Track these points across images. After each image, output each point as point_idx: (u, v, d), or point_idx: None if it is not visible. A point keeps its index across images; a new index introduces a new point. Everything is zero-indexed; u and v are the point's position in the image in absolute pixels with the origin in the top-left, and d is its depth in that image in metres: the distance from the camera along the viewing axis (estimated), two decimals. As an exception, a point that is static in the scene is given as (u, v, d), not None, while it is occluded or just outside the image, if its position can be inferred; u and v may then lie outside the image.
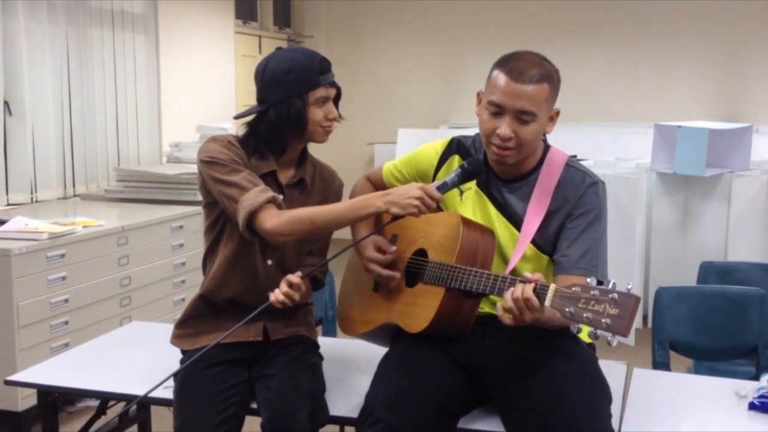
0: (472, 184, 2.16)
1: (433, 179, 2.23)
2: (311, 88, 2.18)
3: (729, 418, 2.07)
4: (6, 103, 4.42)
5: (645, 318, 5.16)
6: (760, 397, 2.10)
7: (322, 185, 2.37)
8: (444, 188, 2.05)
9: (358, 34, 8.12)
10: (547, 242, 2.09)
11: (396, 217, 2.02)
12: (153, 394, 2.06)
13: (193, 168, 4.55)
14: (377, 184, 2.39)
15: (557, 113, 2.11)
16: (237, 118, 2.36)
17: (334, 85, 2.25)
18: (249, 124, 2.28)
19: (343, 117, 2.28)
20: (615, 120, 7.15)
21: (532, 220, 2.08)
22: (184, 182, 4.70)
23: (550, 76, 2.03)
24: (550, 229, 2.09)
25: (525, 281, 1.84)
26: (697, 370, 2.96)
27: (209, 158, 2.19)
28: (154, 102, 5.64)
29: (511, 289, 1.85)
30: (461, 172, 2.07)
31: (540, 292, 1.80)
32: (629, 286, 1.70)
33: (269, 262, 2.27)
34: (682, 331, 2.83)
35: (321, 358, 2.35)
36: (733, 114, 6.91)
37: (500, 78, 2.02)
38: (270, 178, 2.24)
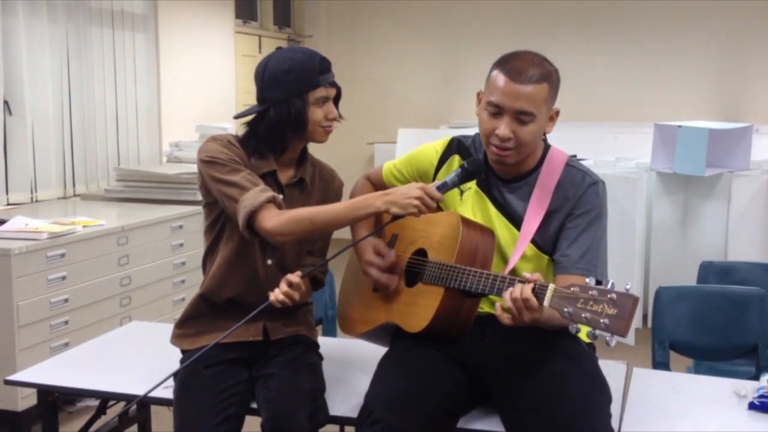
0: (472, 184, 2.16)
1: (434, 179, 2.23)
2: (311, 88, 2.18)
3: (729, 418, 2.07)
4: (6, 102, 4.42)
5: (645, 317, 5.16)
6: (760, 396, 2.10)
7: (321, 185, 2.37)
8: (444, 188, 2.05)
9: (358, 33, 8.12)
10: (547, 242, 2.09)
11: (396, 217, 2.02)
12: (153, 394, 2.06)
13: (193, 168, 4.55)
14: (377, 183, 2.39)
15: (557, 113, 2.11)
16: (237, 117, 2.36)
17: (334, 85, 2.25)
18: (249, 124, 2.28)
19: (343, 117, 2.28)
20: (615, 120, 7.14)
21: (532, 219, 2.08)
22: (184, 182, 4.70)
23: (549, 76, 2.03)
24: (550, 228, 2.09)
25: (524, 281, 1.84)
26: (697, 370, 2.96)
27: (209, 158, 2.19)
28: (154, 101, 5.65)
29: (510, 289, 1.85)
30: (461, 172, 2.06)
31: (539, 292, 1.80)
32: (628, 287, 1.70)
33: (269, 261, 2.27)
34: (682, 331, 2.83)
35: (321, 357, 2.35)
36: (733, 114, 6.91)
37: (499, 78, 2.02)
38: (270, 178, 2.24)
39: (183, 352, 2.33)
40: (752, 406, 2.09)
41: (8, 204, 4.43)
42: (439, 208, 2.18)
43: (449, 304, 2.03)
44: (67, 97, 4.87)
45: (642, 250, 5.14)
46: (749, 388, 2.17)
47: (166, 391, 2.16)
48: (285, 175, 2.29)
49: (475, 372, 2.08)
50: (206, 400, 2.08)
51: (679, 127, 5.09)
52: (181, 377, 2.17)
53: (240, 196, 2.11)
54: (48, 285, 3.51)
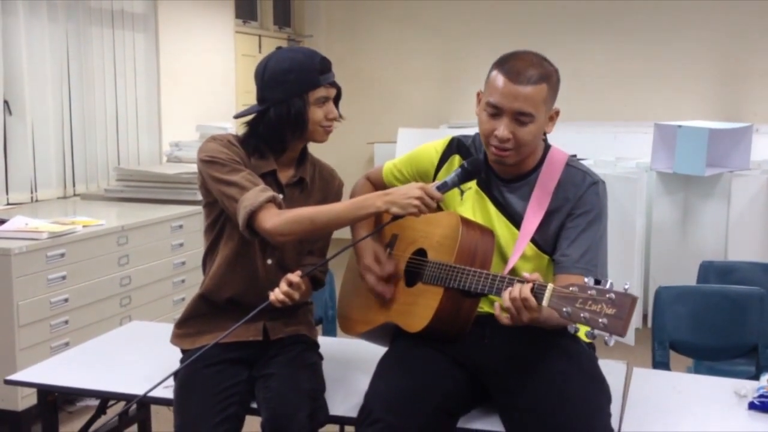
0: (472, 184, 2.16)
1: (434, 179, 2.23)
2: (311, 87, 2.18)
3: (729, 418, 2.07)
4: (6, 102, 4.42)
5: (645, 317, 5.16)
6: (760, 396, 2.10)
7: (322, 185, 2.37)
8: (444, 188, 2.05)
9: (358, 33, 8.12)
10: (547, 242, 2.09)
11: (396, 217, 2.02)
12: (153, 394, 2.06)
13: (193, 167, 4.55)
14: (377, 183, 2.39)
15: (557, 113, 2.11)
16: (237, 117, 2.36)
17: (334, 84, 2.25)
18: (249, 124, 2.28)
19: (344, 117, 2.29)
20: (615, 119, 7.15)
21: (532, 219, 2.08)
22: (183, 182, 4.70)
23: (548, 77, 2.03)
24: (550, 228, 2.09)
25: (523, 281, 1.84)
26: (697, 370, 2.96)
27: (209, 158, 2.19)
28: (154, 101, 5.64)
29: (509, 288, 1.85)
30: (461, 172, 2.06)
31: (538, 291, 1.80)
32: (626, 286, 1.70)
33: (269, 261, 2.27)
34: (682, 331, 2.83)
35: (321, 357, 2.35)
36: (733, 113, 6.91)
37: (498, 79, 2.02)
38: (270, 178, 2.24)
39: (183, 351, 2.33)
40: (752, 406, 2.09)
41: (8, 204, 4.43)
42: (439, 208, 2.18)
43: (449, 303, 2.03)
44: (67, 97, 4.87)
45: (642, 250, 5.15)
46: (749, 387, 2.17)
47: (166, 391, 2.16)
48: (285, 175, 2.29)
49: (474, 372, 2.08)
50: (206, 400, 2.08)
51: (679, 126, 5.09)
52: (181, 377, 2.17)
53: (240, 195, 2.11)
54: (48, 285, 3.51)
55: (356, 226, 2.28)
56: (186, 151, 5.17)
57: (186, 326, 2.34)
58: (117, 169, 4.97)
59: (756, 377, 2.48)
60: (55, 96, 4.75)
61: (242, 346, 2.24)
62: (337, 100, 2.27)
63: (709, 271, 3.27)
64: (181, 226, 4.42)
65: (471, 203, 2.16)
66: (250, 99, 2.60)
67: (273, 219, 2.07)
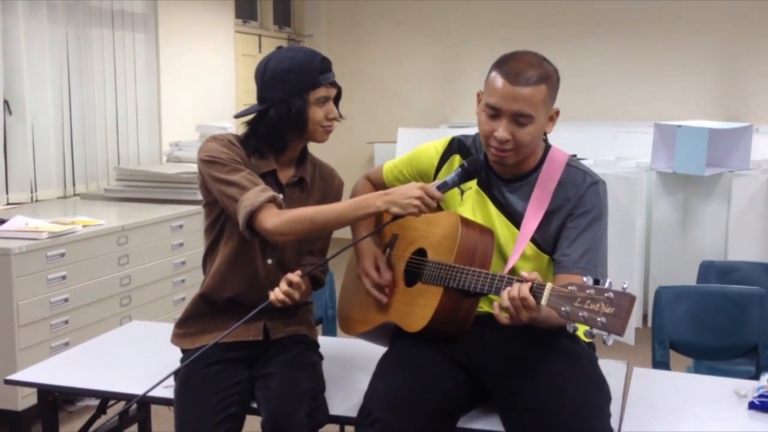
0: (472, 184, 2.16)
1: (434, 179, 2.23)
2: (312, 87, 2.18)
3: (729, 418, 2.07)
4: (6, 102, 4.42)
5: (645, 317, 5.16)
6: (760, 396, 2.10)
7: (322, 184, 2.37)
8: (444, 188, 2.05)
9: (358, 33, 8.12)
10: (547, 241, 2.09)
11: (396, 217, 2.02)
12: (153, 393, 2.06)
13: (193, 167, 4.55)
14: (377, 183, 2.39)
15: (557, 113, 2.11)
16: (237, 117, 2.36)
17: (334, 84, 2.25)
18: (249, 124, 2.28)
19: (344, 117, 2.29)
20: (615, 119, 7.15)
21: (532, 219, 2.08)
22: (183, 181, 4.70)
23: (547, 77, 2.02)
24: (550, 228, 2.09)
25: (522, 280, 1.84)
26: (697, 370, 2.96)
27: (209, 157, 2.19)
28: (154, 101, 5.64)
29: (508, 288, 1.85)
30: (461, 172, 2.06)
31: (536, 291, 1.80)
32: (625, 285, 1.70)
33: (269, 261, 2.27)
34: (682, 331, 2.83)
35: (321, 357, 2.35)
36: (733, 113, 6.91)
37: (497, 80, 2.02)
38: (270, 177, 2.24)
39: (183, 351, 2.33)
40: (752, 406, 2.09)
41: (8, 203, 4.43)
42: (439, 208, 2.18)
43: (448, 303, 2.03)
44: (67, 97, 4.87)
45: (642, 250, 5.14)
46: (749, 387, 2.17)
47: (166, 391, 2.16)
48: (285, 175, 2.29)
49: (474, 371, 2.08)
50: (207, 399, 2.08)
51: (679, 126, 5.09)
52: (181, 376, 2.17)
53: (240, 195, 2.11)
54: (48, 284, 3.51)
55: (357, 225, 2.28)
56: (186, 151, 5.17)
57: (186, 326, 2.34)
58: (117, 169, 4.97)
59: (756, 377, 2.48)
60: (55, 96, 4.75)
61: (242, 346, 2.24)
62: (337, 99, 2.27)
63: (709, 270, 3.27)
64: (181, 226, 4.42)
65: (471, 203, 2.16)
66: (250, 99, 2.60)
67: (273, 219, 2.07)
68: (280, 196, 2.16)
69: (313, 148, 2.35)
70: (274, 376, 2.16)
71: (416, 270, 2.16)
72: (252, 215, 2.08)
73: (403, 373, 2.03)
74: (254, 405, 2.15)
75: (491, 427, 2.02)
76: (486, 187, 2.16)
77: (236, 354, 2.23)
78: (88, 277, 3.74)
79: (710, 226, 5.14)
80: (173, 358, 2.33)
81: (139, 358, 2.53)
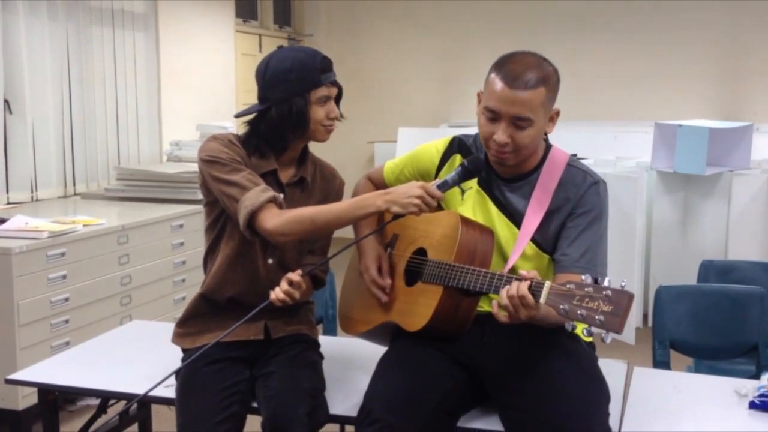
0: (473, 183, 2.16)
1: (435, 178, 2.23)
2: (313, 87, 2.18)
3: (729, 417, 2.07)
4: (6, 101, 4.42)
5: (645, 317, 5.16)
6: (761, 396, 2.10)
7: (323, 184, 2.37)
8: (444, 187, 2.05)
9: (358, 32, 8.12)
10: (547, 241, 2.09)
11: (397, 216, 2.02)
12: (153, 393, 2.06)
13: (194, 166, 4.56)
14: (378, 183, 2.39)
15: (557, 113, 2.11)
16: (238, 116, 2.36)
17: (335, 84, 2.25)
18: (250, 123, 2.28)
19: (344, 116, 2.29)
20: (615, 119, 7.15)
21: (532, 218, 2.08)
22: (184, 181, 4.70)
23: (546, 79, 2.02)
24: (550, 228, 2.09)
25: (521, 279, 1.84)
26: (697, 369, 2.96)
27: (210, 157, 2.19)
28: (155, 100, 5.64)
29: (507, 286, 1.85)
30: (461, 171, 2.07)
31: (535, 289, 1.80)
32: (623, 283, 1.70)
33: (270, 261, 2.27)
34: (682, 330, 2.83)
35: (321, 356, 2.35)
36: (734, 113, 6.91)
37: (496, 83, 2.01)
38: (270, 177, 2.24)
39: (184, 351, 2.33)
40: (753, 405, 2.09)
41: (8, 203, 4.43)
42: (440, 208, 2.18)
43: (448, 302, 2.04)
44: (68, 96, 4.87)
45: (642, 250, 5.15)
46: (750, 387, 2.17)
47: (167, 390, 2.17)
48: (286, 175, 2.29)
49: (474, 371, 2.08)
50: (209, 398, 2.08)
51: (680, 126, 5.08)
52: (183, 375, 2.17)
53: (240, 195, 2.11)
54: (48, 284, 3.51)
55: (359, 225, 2.28)
56: (186, 151, 5.17)
57: (187, 325, 2.34)
58: (117, 169, 4.97)
59: (756, 376, 2.48)
60: (55, 95, 4.75)
61: (243, 345, 2.24)
62: (338, 99, 2.27)
63: (709, 270, 3.27)
64: (181, 226, 4.42)
65: (472, 202, 2.16)
66: (251, 98, 2.61)
67: (274, 219, 2.07)
68: (281, 196, 2.16)
69: (313, 147, 2.35)
70: (274, 375, 2.16)
71: (416, 269, 2.16)
72: (252, 215, 2.08)
73: (404, 373, 2.03)
74: (255, 405, 2.15)
75: (491, 427, 2.02)
76: (486, 186, 2.16)
77: (237, 353, 2.23)
78: (89, 277, 3.75)
79: (710, 226, 5.14)
80: (174, 357, 2.33)
81: (140, 357, 2.53)
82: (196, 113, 5.88)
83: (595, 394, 1.98)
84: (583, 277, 1.74)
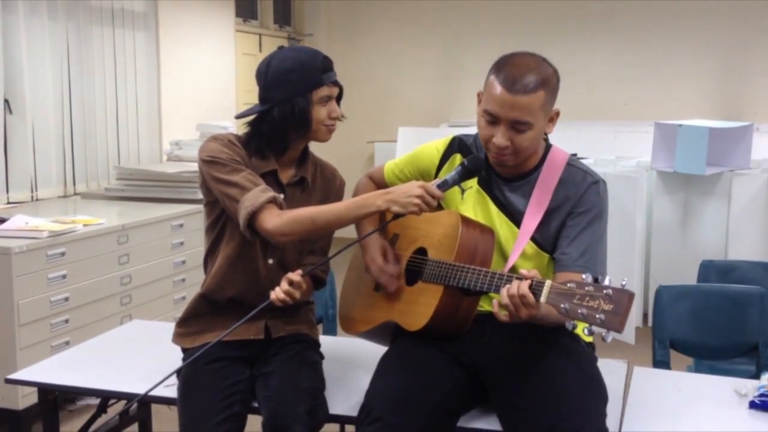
0: (473, 183, 2.16)
1: (435, 178, 2.23)
2: (315, 86, 2.18)
3: (729, 417, 2.07)
4: (6, 101, 4.42)
5: (645, 316, 5.16)
6: (761, 395, 2.10)
7: (323, 184, 2.37)
8: (444, 186, 2.05)
9: (358, 32, 8.12)
10: (547, 240, 2.09)
11: (397, 216, 2.02)
12: (154, 393, 2.06)
13: (194, 166, 4.56)
14: (379, 182, 2.39)
15: (557, 114, 2.10)
16: (239, 117, 2.35)
17: (336, 83, 2.25)
18: (251, 124, 2.27)
19: (345, 116, 2.28)
20: (615, 118, 7.15)
21: (532, 218, 2.08)
22: (184, 180, 4.70)
23: (546, 82, 2.01)
24: (550, 227, 2.09)
25: (521, 278, 1.84)
26: (697, 369, 2.96)
27: (210, 157, 2.19)
28: (155, 100, 5.64)
29: (507, 285, 1.85)
30: (461, 170, 2.07)
31: (535, 288, 1.80)
32: (624, 282, 1.70)
33: (270, 261, 2.27)
34: (682, 330, 2.83)
35: (321, 356, 2.35)
36: (734, 112, 6.91)
37: (495, 87, 2.01)
38: (271, 177, 2.24)
39: (184, 351, 2.33)
40: (753, 405, 2.09)
41: (8, 202, 4.43)
42: (440, 207, 2.18)
43: (448, 302, 2.04)
44: (68, 96, 4.87)
45: (642, 249, 5.15)
46: (750, 386, 2.17)
47: (167, 390, 2.17)
48: (286, 175, 2.28)
49: (474, 370, 2.08)
50: (210, 397, 2.08)
51: (680, 125, 5.08)
52: (184, 374, 2.17)
53: (241, 196, 2.11)
54: (48, 284, 3.51)
55: (362, 224, 2.28)
56: (186, 150, 5.17)
57: (187, 325, 2.34)
58: (117, 168, 4.97)
59: (756, 376, 2.48)
60: (55, 95, 4.75)
61: (244, 345, 2.24)
62: (338, 99, 2.28)
63: (709, 270, 3.27)
64: (181, 225, 4.42)
65: (472, 202, 2.16)
66: (251, 98, 2.61)
67: (274, 219, 2.07)
68: (281, 196, 2.16)
69: (313, 147, 2.35)
70: (274, 374, 2.16)
71: (417, 269, 2.16)
72: (253, 216, 2.08)
73: (404, 372, 2.03)
74: (255, 404, 2.15)
75: (491, 427, 2.02)
76: (486, 186, 2.16)
77: (237, 353, 2.23)
78: (89, 276, 3.75)
79: (710, 226, 5.14)
80: (174, 357, 2.33)
81: (140, 357, 2.53)
82: (196, 113, 5.88)
83: (591, 394, 1.97)
84: (584, 276, 1.74)
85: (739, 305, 2.81)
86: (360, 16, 8.10)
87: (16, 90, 4.47)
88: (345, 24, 8.15)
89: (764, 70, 6.98)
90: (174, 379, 2.16)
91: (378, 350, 2.22)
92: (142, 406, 3.04)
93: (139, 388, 2.14)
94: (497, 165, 2.12)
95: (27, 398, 3.35)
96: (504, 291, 1.84)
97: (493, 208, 2.14)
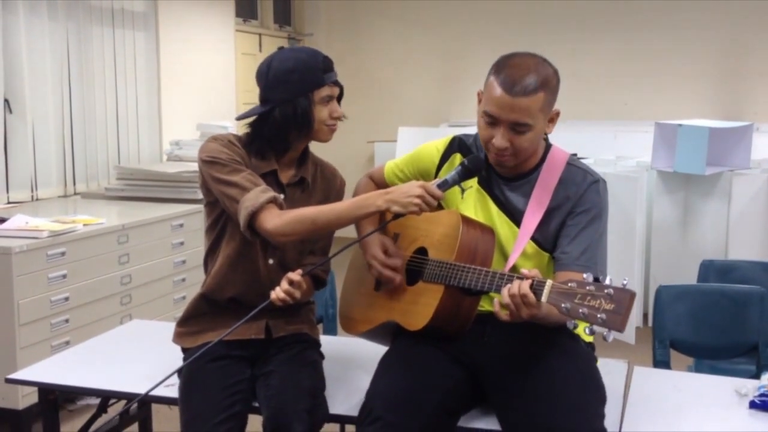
0: (473, 183, 2.16)
1: (435, 178, 2.23)
2: (316, 86, 2.18)
3: (729, 417, 2.06)
4: (6, 101, 4.42)
5: (645, 316, 5.16)
6: (761, 395, 2.10)
7: (323, 184, 2.37)
8: (444, 186, 2.05)
9: (358, 32, 8.12)
10: (547, 240, 2.09)
11: (397, 216, 2.02)
12: (154, 393, 2.06)
13: (194, 166, 4.56)
14: (379, 183, 2.39)
15: (557, 114, 2.10)
16: (240, 119, 2.34)
17: (337, 83, 2.25)
18: (252, 125, 2.27)
19: (346, 116, 2.29)
20: (615, 118, 7.15)
21: (532, 217, 2.08)
22: (184, 180, 4.70)
23: (546, 83, 2.01)
24: (550, 226, 2.09)
25: (522, 277, 1.84)
26: (697, 369, 2.96)
27: (210, 158, 2.19)
28: (155, 100, 5.65)
29: (508, 285, 1.85)
30: (461, 170, 2.07)
31: (537, 288, 1.80)
32: (625, 282, 1.70)
33: (270, 261, 2.27)
34: (682, 330, 2.83)
35: (322, 356, 2.35)
36: (734, 112, 6.91)
37: (494, 88, 2.00)
38: (271, 178, 2.24)
39: (184, 350, 2.33)
40: (753, 405, 2.09)
41: (9, 202, 4.43)
42: (440, 207, 2.18)
43: (449, 302, 2.04)
44: (68, 96, 4.87)
45: (642, 249, 5.15)
46: (750, 386, 2.17)
47: (167, 390, 2.17)
48: (286, 175, 2.28)
49: (474, 370, 2.08)
50: (211, 396, 2.08)
51: (680, 125, 5.08)
52: (185, 373, 2.17)
53: (241, 196, 2.11)
54: (48, 283, 3.51)
55: (362, 224, 2.28)
56: (186, 150, 5.17)
57: (187, 325, 2.34)
58: (117, 168, 4.97)
59: (757, 376, 2.48)
60: (55, 94, 4.75)
61: (244, 345, 2.24)
62: (339, 99, 2.28)
63: (709, 270, 3.27)
64: (181, 225, 4.42)
65: (472, 201, 2.16)
66: (251, 97, 2.61)
67: (274, 220, 2.07)
68: (281, 196, 2.16)
69: (313, 146, 2.35)
70: (274, 374, 2.16)
71: (417, 269, 2.16)
72: (253, 216, 2.08)
73: (405, 372, 2.03)
74: (256, 404, 2.15)
75: (491, 427, 2.02)
76: (487, 185, 2.16)
77: (238, 352, 2.23)
78: (89, 276, 3.75)
79: (710, 226, 5.14)
80: (174, 356, 2.33)
81: (140, 357, 2.53)
82: (197, 113, 5.88)
83: (589, 395, 1.97)
84: (585, 275, 1.74)
85: (739, 305, 2.81)
86: (360, 16, 8.10)
87: (16, 90, 4.47)
88: (345, 24, 8.15)
89: (764, 70, 6.98)
90: (174, 379, 2.15)
91: (378, 350, 2.22)
92: (142, 405, 3.04)
93: (140, 388, 2.14)
94: (497, 165, 2.12)
95: (27, 398, 3.35)
96: (505, 290, 1.84)
97: (494, 208, 2.14)
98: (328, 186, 2.37)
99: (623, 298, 1.67)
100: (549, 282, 1.78)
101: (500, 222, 2.12)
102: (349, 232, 2.28)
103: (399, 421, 1.90)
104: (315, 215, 2.09)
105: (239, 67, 6.72)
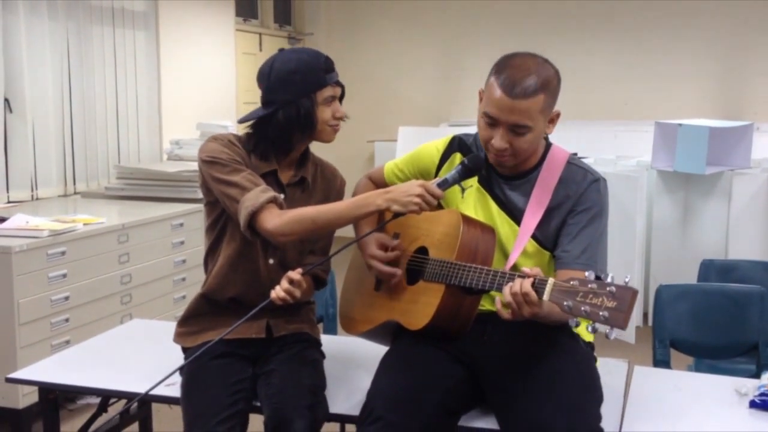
0: (473, 182, 2.16)
1: (435, 177, 2.23)
2: (319, 87, 2.18)
3: (730, 416, 2.07)
4: (6, 100, 4.42)
5: (645, 316, 5.16)
6: (761, 395, 2.10)
7: (323, 184, 2.37)
8: (444, 185, 2.05)
9: (359, 31, 8.12)
10: (548, 238, 2.09)
11: (397, 215, 2.02)
12: (154, 392, 2.06)
13: (194, 165, 4.56)
14: (379, 183, 2.39)
15: (557, 115, 2.10)
16: (242, 121, 2.33)
17: (339, 83, 2.25)
18: (255, 127, 2.26)
19: (348, 116, 2.29)
20: (615, 118, 7.15)
21: (532, 216, 2.08)
22: (184, 180, 4.70)
23: (546, 84, 2.00)
24: (551, 225, 2.09)
25: (524, 276, 1.84)
26: (697, 368, 2.96)
27: (210, 158, 2.18)
28: (155, 99, 5.65)
29: (510, 283, 1.85)
30: (461, 169, 2.07)
31: (538, 286, 1.80)
32: (627, 279, 1.70)
33: (271, 261, 2.27)
34: (682, 329, 2.83)
35: (323, 355, 2.35)
36: (734, 112, 6.91)
37: (495, 89, 2.00)
38: (271, 177, 2.24)
39: (184, 350, 2.33)
40: (753, 405, 2.09)
41: (9, 202, 4.43)
42: (440, 206, 2.18)
43: (450, 301, 2.03)
44: (68, 95, 4.87)
45: (642, 249, 5.15)
46: (750, 386, 2.17)
47: (168, 389, 2.17)
48: (286, 175, 2.28)
49: (475, 370, 2.08)
50: (214, 394, 2.08)
51: (680, 125, 5.09)
52: (187, 371, 2.17)
53: (241, 196, 2.11)
54: (49, 283, 3.51)
55: (360, 224, 2.28)
56: (186, 149, 5.17)
57: (188, 324, 2.34)
58: (117, 167, 4.97)
59: (757, 375, 2.48)
60: (55, 94, 4.75)
61: (245, 344, 2.24)
62: (341, 99, 2.28)
63: (709, 269, 3.27)
64: (181, 224, 4.42)
65: (473, 201, 2.16)
66: (251, 97, 2.61)
67: (274, 219, 2.07)
68: (281, 196, 2.16)
69: (313, 146, 2.35)
70: (275, 372, 2.16)
71: (418, 268, 2.16)
72: (253, 216, 2.08)
73: (405, 372, 2.03)
74: (257, 404, 2.15)
75: (491, 426, 2.02)
76: (487, 184, 2.16)
77: (239, 351, 2.23)
78: (89, 276, 3.75)
79: (711, 225, 5.14)
80: (174, 356, 2.33)
81: (140, 356, 2.54)
82: (197, 112, 5.88)
83: (589, 395, 1.97)
84: (587, 273, 1.74)
85: (740, 304, 2.81)
86: (360, 16, 8.10)
87: (16, 89, 4.47)
88: (345, 24, 8.15)
89: (764, 70, 6.97)
90: (174, 378, 2.15)
91: (379, 350, 2.22)
92: (142, 405, 3.04)
93: (140, 388, 2.14)
94: (497, 165, 2.12)
95: (27, 397, 3.35)
96: (507, 289, 1.84)
97: (494, 207, 2.14)
98: (328, 186, 2.37)
99: (625, 295, 1.67)
100: (551, 280, 1.78)
101: (500, 221, 2.12)
102: (350, 231, 2.28)
103: (399, 421, 1.90)
104: (315, 215, 2.09)
105: (239, 66, 6.72)
